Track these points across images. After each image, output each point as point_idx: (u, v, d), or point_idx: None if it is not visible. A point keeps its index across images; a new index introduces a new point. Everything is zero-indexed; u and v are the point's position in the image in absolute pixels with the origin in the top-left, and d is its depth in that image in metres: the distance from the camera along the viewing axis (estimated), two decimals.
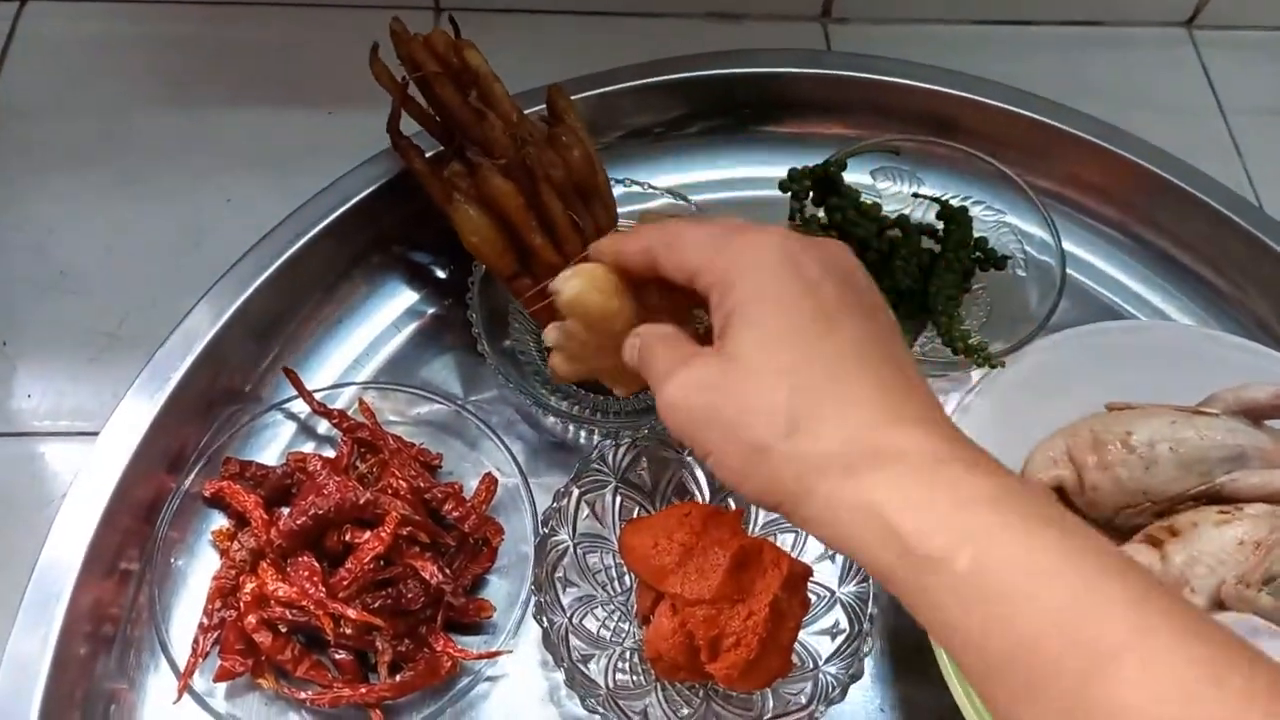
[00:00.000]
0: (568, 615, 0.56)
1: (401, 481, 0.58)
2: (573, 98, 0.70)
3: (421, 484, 0.59)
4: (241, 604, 0.55)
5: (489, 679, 0.58)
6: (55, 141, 0.75)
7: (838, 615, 0.57)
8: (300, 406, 0.64)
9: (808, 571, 0.56)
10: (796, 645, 0.56)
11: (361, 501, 0.56)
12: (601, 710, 0.52)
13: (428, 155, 0.63)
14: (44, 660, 0.53)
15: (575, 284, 0.45)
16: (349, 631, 0.54)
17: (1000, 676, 0.31)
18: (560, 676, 0.54)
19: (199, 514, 0.61)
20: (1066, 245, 0.67)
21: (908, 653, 0.60)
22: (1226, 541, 0.56)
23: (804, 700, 0.54)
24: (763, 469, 0.35)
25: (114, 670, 0.57)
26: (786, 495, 0.35)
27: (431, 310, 0.70)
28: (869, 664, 0.60)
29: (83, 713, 0.55)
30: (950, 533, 0.31)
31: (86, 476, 0.58)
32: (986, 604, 0.31)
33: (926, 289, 0.65)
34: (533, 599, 0.55)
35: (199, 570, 0.59)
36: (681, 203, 0.68)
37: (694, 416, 0.37)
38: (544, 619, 0.53)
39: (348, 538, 0.56)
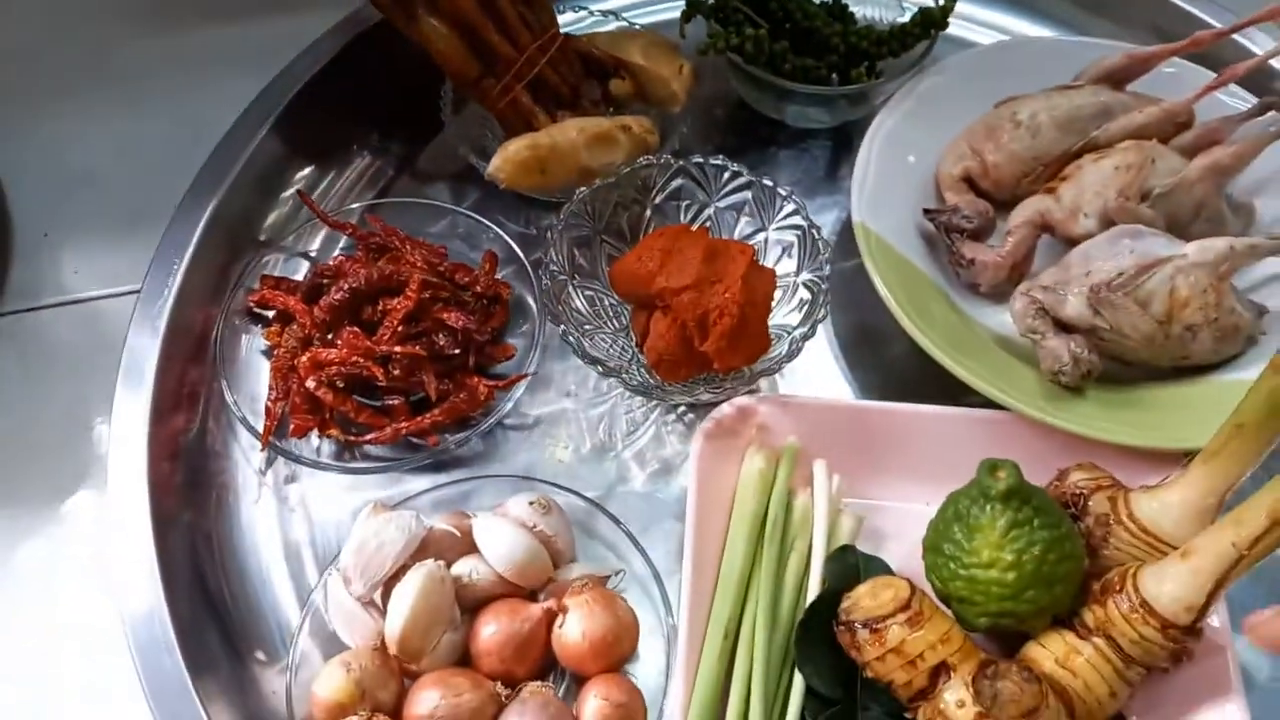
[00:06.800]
0: (577, 326, 0.65)
1: (417, 259, 0.68)
2: None
3: (434, 259, 0.68)
4: (301, 371, 0.64)
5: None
6: (54, 74, 0.85)
7: (801, 294, 0.67)
8: (314, 245, 0.73)
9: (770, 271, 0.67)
10: (774, 328, 0.66)
11: (388, 273, 0.66)
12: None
13: None
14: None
15: (495, 161, 0.65)
16: (397, 373, 0.64)
17: None
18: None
19: (245, 333, 0.70)
20: None
21: (853, 334, 0.71)
22: (1105, 171, 0.67)
23: (777, 363, 0.64)
24: None
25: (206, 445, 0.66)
26: None
27: (420, 142, 0.80)
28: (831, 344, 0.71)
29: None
30: None
31: (143, 309, 0.67)
32: None
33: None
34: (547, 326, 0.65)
35: (256, 375, 0.69)
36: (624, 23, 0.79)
37: None
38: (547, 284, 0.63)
39: (381, 307, 0.66)
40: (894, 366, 0.70)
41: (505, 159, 0.65)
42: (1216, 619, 0.55)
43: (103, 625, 0.59)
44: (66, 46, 0.86)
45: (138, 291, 0.70)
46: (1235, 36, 0.73)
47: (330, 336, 0.66)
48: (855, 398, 0.69)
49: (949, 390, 0.63)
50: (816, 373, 0.70)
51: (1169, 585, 0.49)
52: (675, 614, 0.57)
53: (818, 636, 0.54)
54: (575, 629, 0.54)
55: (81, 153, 0.80)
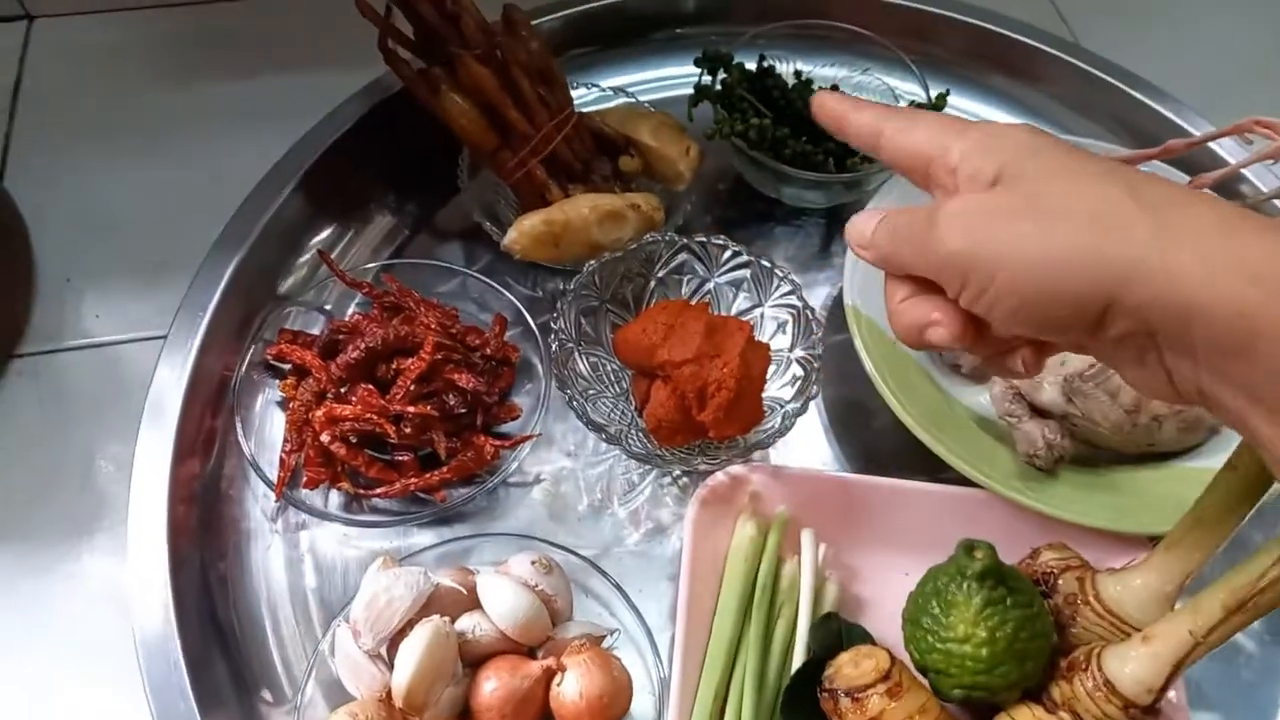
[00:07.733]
0: (581, 391, 0.69)
1: (431, 320, 0.71)
2: None
3: (446, 321, 0.72)
4: (316, 425, 0.67)
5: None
6: (81, 120, 0.88)
7: (795, 370, 0.71)
8: (331, 300, 0.77)
9: (766, 346, 0.71)
10: (767, 400, 0.70)
11: (403, 333, 0.69)
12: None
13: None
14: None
15: (511, 234, 0.70)
16: (408, 430, 0.67)
17: None
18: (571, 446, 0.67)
19: (262, 385, 0.73)
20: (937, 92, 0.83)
21: (841, 407, 0.75)
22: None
23: (770, 437, 0.68)
24: (1102, 244, 0.37)
25: (221, 490, 0.69)
26: (1133, 261, 0.36)
27: (435, 204, 0.83)
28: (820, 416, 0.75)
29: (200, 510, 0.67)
30: None
31: (169, 355, 0.70)
32: None
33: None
34: (552, 388, 0.69)
35: (270, 424, 0.72)
36: (633, 101, 0.83)
37: (992, 227, 0.39)
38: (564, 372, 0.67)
39: (395, 366, 0.69)
40: (879, 440, 0.73)
41: (521, 233, 0.69)
42: (1174, 696, 0.59)
43: (117, 662, 0.61)
44: (95, 94, 0.90)
45: (157, 338, 0.73)
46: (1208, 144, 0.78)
47: (344, 392, 0.69)
48: (842, 469, 0.73)
49: (931, 465, 0.66)
50: (806, 443, 0.73)
51: (1130, 667, 0.53)
52: (667, 672, 0.60)
53: (803, 702, 0.57)
54: (573, 688, 0.57)
55: (105, 201, 0.83)
